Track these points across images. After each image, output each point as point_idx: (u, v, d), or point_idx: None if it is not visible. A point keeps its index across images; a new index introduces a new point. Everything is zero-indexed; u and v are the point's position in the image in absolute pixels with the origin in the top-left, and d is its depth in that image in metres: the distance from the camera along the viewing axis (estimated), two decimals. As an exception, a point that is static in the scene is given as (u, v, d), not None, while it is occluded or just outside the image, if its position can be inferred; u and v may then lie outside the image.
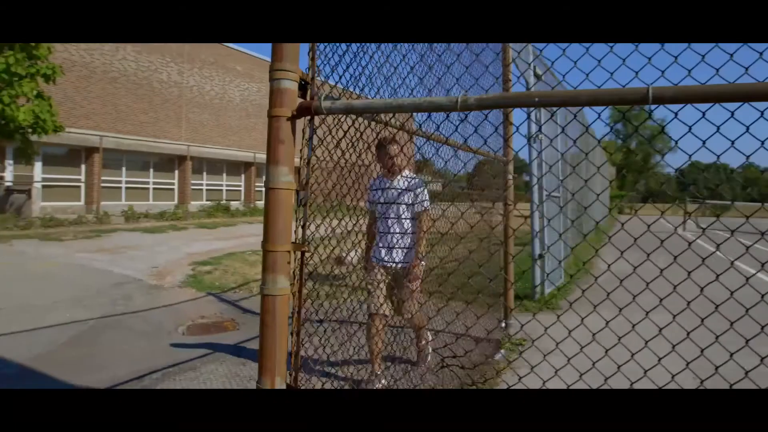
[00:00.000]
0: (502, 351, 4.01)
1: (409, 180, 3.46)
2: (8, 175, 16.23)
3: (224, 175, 24.59)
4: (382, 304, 3.36)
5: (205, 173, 23.58)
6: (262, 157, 22.72)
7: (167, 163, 21.82)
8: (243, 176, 25.62)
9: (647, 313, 1.92)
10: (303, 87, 1.58)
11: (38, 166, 16.95)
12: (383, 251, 3.42)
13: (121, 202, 19.22)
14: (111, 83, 18.94)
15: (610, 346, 1.96)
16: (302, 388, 1.63)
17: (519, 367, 3.70)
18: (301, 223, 1.62)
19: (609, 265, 1.64)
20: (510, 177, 4.19)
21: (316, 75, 1.59)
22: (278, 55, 1.49)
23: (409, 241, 3.39)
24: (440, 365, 3.09)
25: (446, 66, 2.84)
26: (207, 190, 23.58)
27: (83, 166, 18.66)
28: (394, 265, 3.38)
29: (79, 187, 18.59)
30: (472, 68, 3.28)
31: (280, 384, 1.49)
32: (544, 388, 1.81)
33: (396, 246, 3.36)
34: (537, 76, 5.57)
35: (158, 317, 5.89)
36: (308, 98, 1.58)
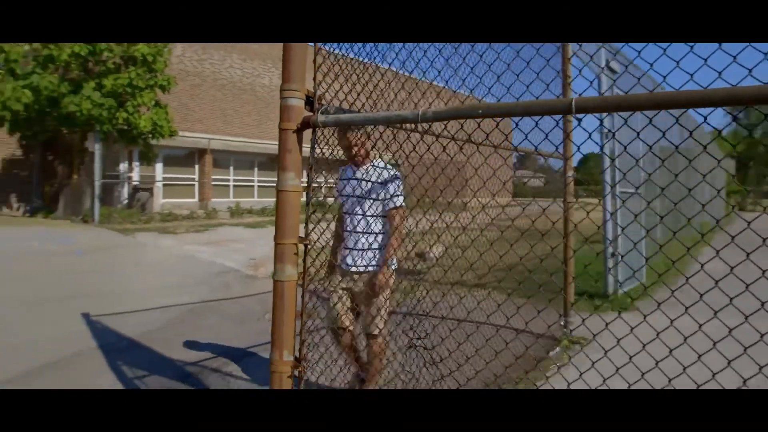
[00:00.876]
0: (558, 348, 4.03)
1: (379, 170, 2.92)
2: (135, 175, 18.31)
3: (323, 172, 25.67)
4: (341, 316, 2.94)
5: (305, 171, 24.77)
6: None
7: (270, 162, 23.28)
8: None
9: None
10: (311, 101, 1.84)
11: (159, 166, 18.91)
12: (347, 254, 2.96)
13: (229, 198, 20.86)
14: (220, 90, 20.60)
15: (677, 349, 1.72)
16: (307, 361, 1.88)
17: (569, 366, 3.71)
18: (312, 219, 1.89)
19: (702, 275, 1.52)
20: (569, 175, 4.17)
21: (319, 90, 1.84)
22: (286, 77, 1.76)
23: (376, 242, 2.91)
24: (408, 345, 3.11)
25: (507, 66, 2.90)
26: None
27: (196, 166, 20.49)
28: (356, 269, 2.93)
29: (193, 185, 20.46)
30: (535, 67, 3.35)
31: (287, 357, 1.76)
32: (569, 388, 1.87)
33: (361, 248, 2.90)
34: (612, 70, 5.41)
35: (250, 304, 6.50)
36: (315, 111, 1.83)
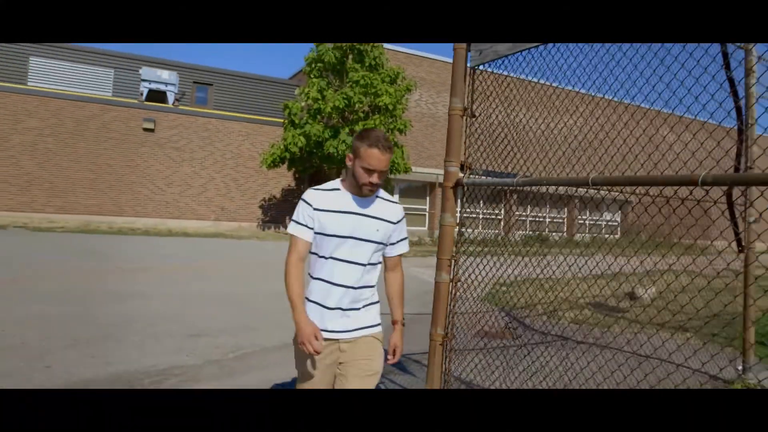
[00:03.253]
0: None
1: (389, 205, 2.27)
2: (375, 204, 21.36)
3: (547, 207, 25.81)
4: None
5: (528, 205, 25.30)
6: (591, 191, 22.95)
7: (497, 195, 24.39)
8: (566, 209, 26.32)
9: None
10: (463, 167, 2.83)
11: (396, 197, 21.64)
12: (333, 316, 2.17)
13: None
14: (450, 128, 22.65)
15: None
16: (452, 340, 2.83)
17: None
18: (460, 247, 2.86)
19: None
20: (752, 219, 4.26)
21: (469, 160, 2.82)
22: (447, 152, 2.78)
23: (371, 297, 2.27)
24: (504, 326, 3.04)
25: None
26: (530, 221, 25.20)
27: (427, 198, 22.75)
28: (349, 336, 2.19)
29: (424, 214, 22.75)
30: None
31: (440, 331, 2.75)
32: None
33: (355, 307, 2.21)
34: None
35: (454, 320, 7.57)
36: (465, 175, 2.81)
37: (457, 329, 2.99)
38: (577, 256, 3.36)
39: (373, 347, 2.26)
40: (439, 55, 23.18)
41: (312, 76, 17.09)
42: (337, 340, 2.18)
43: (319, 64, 17.01)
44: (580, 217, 25.73)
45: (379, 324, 2.33)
